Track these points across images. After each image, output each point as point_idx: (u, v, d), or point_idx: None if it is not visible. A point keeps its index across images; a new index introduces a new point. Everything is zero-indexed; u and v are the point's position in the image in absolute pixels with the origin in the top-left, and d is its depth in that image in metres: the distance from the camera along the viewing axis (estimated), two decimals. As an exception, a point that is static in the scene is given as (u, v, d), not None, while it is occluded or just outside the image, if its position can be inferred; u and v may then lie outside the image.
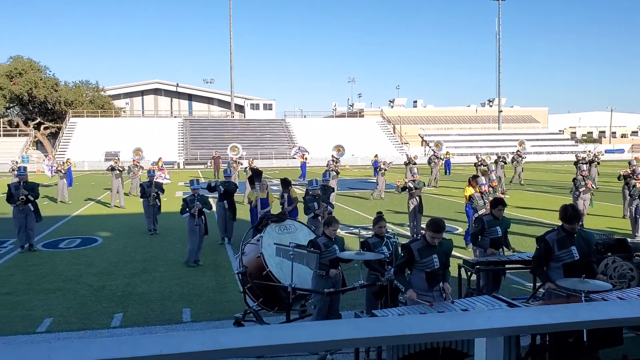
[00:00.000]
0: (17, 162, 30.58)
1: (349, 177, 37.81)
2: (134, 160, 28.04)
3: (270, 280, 7.38)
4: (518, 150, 31.25)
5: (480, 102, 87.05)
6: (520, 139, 41.99)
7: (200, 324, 7.97)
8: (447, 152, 40.07)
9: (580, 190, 15.55)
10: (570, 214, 6.02)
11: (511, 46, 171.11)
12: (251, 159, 27.61)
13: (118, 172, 21.88)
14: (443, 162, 35.08)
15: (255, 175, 13.82)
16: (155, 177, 16.81)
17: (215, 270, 11.15)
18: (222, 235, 14.16)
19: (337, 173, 22.34)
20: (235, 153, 32.89)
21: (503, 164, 27.37)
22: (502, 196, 13.59)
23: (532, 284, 8.30)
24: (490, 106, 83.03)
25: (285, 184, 13.20)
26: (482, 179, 11.84)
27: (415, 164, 26.69)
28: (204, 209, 11.92)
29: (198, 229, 11.68)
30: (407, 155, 30.10)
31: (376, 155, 38.47)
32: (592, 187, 15.64)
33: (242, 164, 29.18)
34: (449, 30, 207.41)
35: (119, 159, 28.52)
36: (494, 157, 28.86)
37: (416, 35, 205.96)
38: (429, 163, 30.05)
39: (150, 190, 15.64)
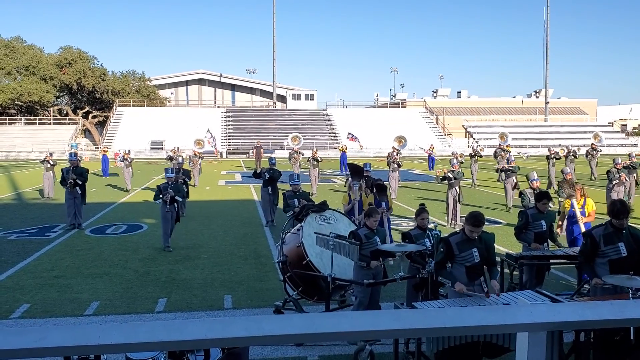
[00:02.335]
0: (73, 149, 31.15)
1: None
2: (194, 150, 28.49)
3: (310, 270, 7.43)
4: (593, 144, 29.40)
5: (527, 93, 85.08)
6: (595, 131, 36.94)
7: (241, 311, 8.10)
8: (508, 144, 38.21)
9: (614, 182, 15.16)
10: (618, 209, 5.85)
11: (559, 36, 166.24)
12: (315, 149, 26.95)
13: (176, 162, 22.31)
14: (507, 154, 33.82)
15: (353, 173, 11.95)
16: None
17: (256, 258, 11.30)
18: (265, 219, 15.21)
19: (399, 165, 21.76)
20: (296, 143, 32.16)
21: (574, 157, 26.09)
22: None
23: (576, 280, 8.12)
24: (537, 97, 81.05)
25: (381, 189, 11.26)
26: (534, 174, 11.53)
27: (481, 156, 26.01)
28: (177, 197, 12.13)
29: (169, 216, 11.98)
30: (472, 147, 28.86)
31: (432, 146, 37.32)
32: (626, 180, 15.31)
33: (303, 154, 28.71)
34: (495, 19, 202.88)
35: (177, 148, 29.12)
36: (566, 150, 27.51)
37: (460, 24, 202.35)
38: (496, 156, 27.98)
39: (178, 177, 16.09)
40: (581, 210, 9.35)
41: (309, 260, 7.44)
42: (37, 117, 66.00)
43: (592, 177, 27.28)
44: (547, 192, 8.53)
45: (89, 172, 15.64)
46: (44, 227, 14.89)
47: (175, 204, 12.11)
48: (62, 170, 15.07)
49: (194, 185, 25.31)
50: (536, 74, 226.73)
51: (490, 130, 64.54)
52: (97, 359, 5.24)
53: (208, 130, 33.58)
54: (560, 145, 30.91)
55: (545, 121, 72.51)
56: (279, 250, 8.06)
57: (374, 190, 10.88)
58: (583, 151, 29.82)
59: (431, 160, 35.24)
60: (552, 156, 24.02)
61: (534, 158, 46.40)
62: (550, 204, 8.33)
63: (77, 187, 14.77)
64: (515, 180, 18.05)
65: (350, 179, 11.68)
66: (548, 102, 73.91)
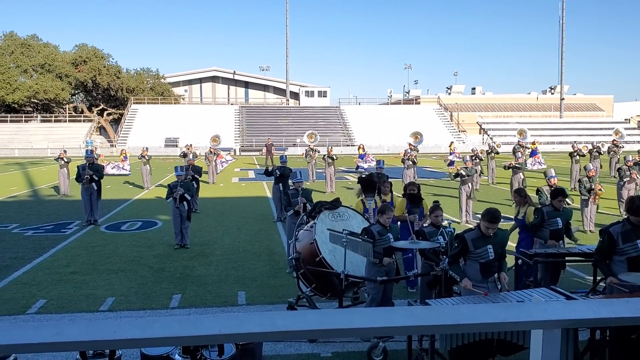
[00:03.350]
0: (95, 148, 31.10)
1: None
2: (210, 147, 28.45)
3: (323, 267, 7.44)
4: (614, 140, 28.86)
5: (542, 90, 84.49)
6: (616, 127, 35.52)
7: (254, 307, 8.14)
8: (535, 141, 36.88)
9: (625, 180, 15.03)
10: (638, 205, 5.79)
11: (575, 31, 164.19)
12: (330, 147, 26.45)
13: (190, 158, 22.33)
14: (529, 151, 32.96)
15: (366, 189, 9.85)
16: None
17: (269, 255, 11.33)
18: (277, 215, 15.38)
19: (414, 163, 21.49)
20: (312, 140, 31.59)
21: (598, 154, 25.48)
22: (599, 187, 13.22)
23: (592, 278, 8.05)
24: (552, 94, 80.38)
25: (414, 199, 9.65)
26: (552, 171, 11.38)
27: (497, 153, 25.73)
28: (186, 196, 12.19)
29: (179, 212, 12.06)
30: (489, 144, 28.32)
31: (452, 144, 36.63)
32: (637, 177, 15.10)
33: (319, 151, 27.90)
34: (510, 15, 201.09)
35: (191, 145, 29.13)
36: (590, 146, 26.90)
37: (475, 20, 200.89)
38: (514, 153, 26.30)
39: (188, 174, 16.17)
40: (521, 218, 8.69)
41: (322, 257, 7.45)
42: (53, 115, 66.63)
43: (612, 174, 26.96)
44: (563, 189, 8.44)
45: (104, 169, 15.82)
46: (59, 224, 15.05)
47: (185, 202, 12.16)
48: (77, 167, 15.24)
49: (213, 183, 25.39)
50: (551, 70, 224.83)
51: (505, 127, 64.11)
52: (112, 354, 5.30)
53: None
54: (575, 141, 30.29)
55: (560, 118, 71.89)
56: (292, 247, 8.08)
57: (407, 200, 9.56)
58: (605, 147, 29.25)
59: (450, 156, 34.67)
60: (576, 153, 23.52)
61: (554, 155, 45.92)
62: (569, 201, 8.23)
63: (93, 183, 14.93)
64: (522, 177, 17.92)
65: (361, 191, 10.18)
66: (563, 99, 73.28)
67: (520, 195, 8.86)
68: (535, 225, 8.09)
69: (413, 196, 9.41)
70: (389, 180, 14.01)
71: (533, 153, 33.93)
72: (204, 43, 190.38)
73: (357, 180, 11.04)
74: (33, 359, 6.15)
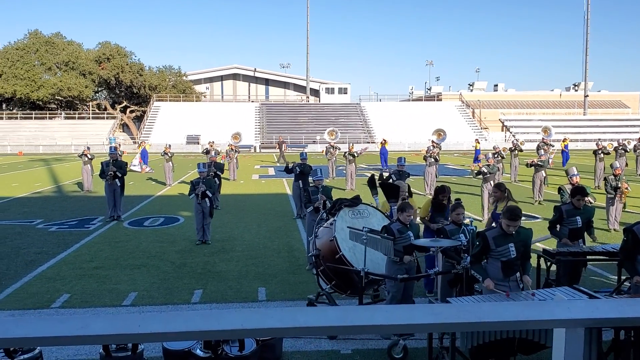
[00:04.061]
0: (118, 144, 31.43)
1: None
2: (230, 144, 28.54)
3: (342, 264, 7.43)
4: None
5: (565, 86, 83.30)
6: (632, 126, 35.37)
7: (274, 303, 8.17)
8: (565, 138, 35.57)
9: None
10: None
11: (600, 27, 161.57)
12: (351, 144, 26.23)
13: (212, 155, 22.49)
14: (560, 149, 32.32)
15: (389, 195, 9.52)
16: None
17: (289, 252, 11.37)
18: (297, 212, 15.56)
19: (436, 160, 21.34)
20: (333, 137, 31.41)
21: (624, 152, 24.83)
22: (625, 185, 13.02)
23: (616, 277, 7.94)
24: (576, 90, 79.18)
25: (439, 208, 9.08)
26: (574, 169, 11.22)
27: (521, 150, 25.37)
28: (207, 192, 12.25)
29: (201, 209, 12.14)
30: (512, 142, 27.95)
31: (477, 141, 36.07)
32: None
33: (339, 149, 27.89)
34: (533, 11, 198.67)
35: (213, 142, 29.34)
36: (616, 144, 26.25)
37: (497, 16, 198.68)
38: (538, 150, 25.58)
39: (209, 170, 16.27)
40: (499, 212, 8.53)
41: (341, 254, 7.45)
42: (77, 112, 67.56)
43: (637, 172, 26.49)
44: (583, 187, 8.30)
45: (127, 166, 16.04)
46: (83, 219, 15.26)
47: (207, 199, 12.25)
48: (101, 163, 15.46)
49: (234, 180, 25.58)
50: (575, 67, 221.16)
51: (528, 124, 63.42)
52: (134, 348, 5.37)
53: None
54: (600, 139, 29.70)
55: (584, 115, 70.85)
56: (312, 244, 8.09)
57: (431, 208, 9.14)
58: (631, 145, 28.69)
59: (477, 154, 34.36)
60: (600, 151, 22.91)
61: (578, 153, 45.26)
62: (591, 199, 8.10)
63: (117, 180, 15.15)
64: (544, 175, 17.69)
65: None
66: (587, 96, 72.15)
67: (500, 190, 8.70)
68: (552, 222, 8.00)
69: (438, 205, 9.15)
70: (410, 176, 13.85)
71: (564, 152, 33.38)
72: (225, 41, 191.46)
73: (371, 176, 10.86)
74: (57, 352, 6.26)
